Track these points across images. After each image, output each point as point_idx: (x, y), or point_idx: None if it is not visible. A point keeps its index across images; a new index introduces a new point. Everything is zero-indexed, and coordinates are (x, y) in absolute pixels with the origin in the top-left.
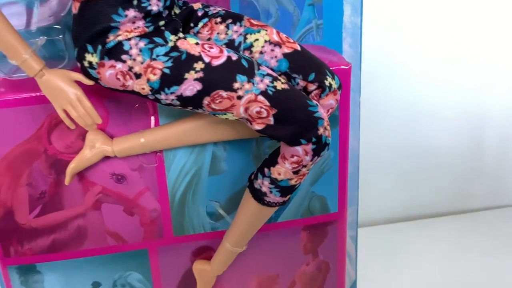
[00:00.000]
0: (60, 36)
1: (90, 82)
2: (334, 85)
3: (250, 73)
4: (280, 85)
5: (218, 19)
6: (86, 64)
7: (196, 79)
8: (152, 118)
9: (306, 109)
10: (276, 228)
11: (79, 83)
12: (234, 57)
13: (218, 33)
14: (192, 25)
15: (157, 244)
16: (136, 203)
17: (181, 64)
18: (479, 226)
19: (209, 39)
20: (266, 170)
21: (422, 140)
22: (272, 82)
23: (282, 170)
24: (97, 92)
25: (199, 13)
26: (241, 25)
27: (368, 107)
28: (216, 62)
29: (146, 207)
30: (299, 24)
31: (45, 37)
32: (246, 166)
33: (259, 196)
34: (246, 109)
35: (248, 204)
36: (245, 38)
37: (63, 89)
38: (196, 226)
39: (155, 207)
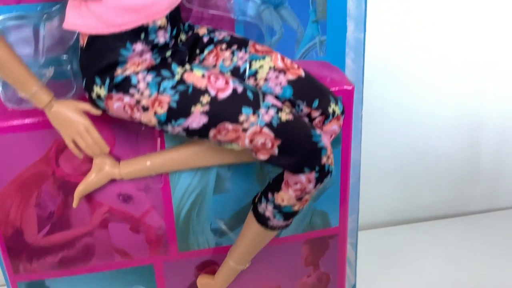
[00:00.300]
0: (68, 66)
1: (98, 112)
2: (337, 111)
3: (255, 105)
4: (285, 116)
5: (224, 46)
6: (94, 95)
7: (202, 113)
8: (158, 141)
9: (309, 139)
10: (279, 243)
11: (87, 112)
12: (240, 89)
13: (223, 60)
14: (198, 51)
15: (163, 260)
16: (142, 222)
17: (188, 98)
18: (477, 228)
19: (214, 65)
20: (270, 195)
21: (421, 145)
22: (277, 113)
23: (285, 197)
24: (104, 115)
25: (205, 39)
26: (246, 52)
27: (367, 112)
28: (222, 95)
29: (152, 225)
30: (303, 41)
31: (53, 67)
32: (250, 185)
33: (263, 220)
34: (251, 141)
35: (252, 226)
36: (250, 65)
37: (72, 120)
38: (200, 242)
39: (160, 225)
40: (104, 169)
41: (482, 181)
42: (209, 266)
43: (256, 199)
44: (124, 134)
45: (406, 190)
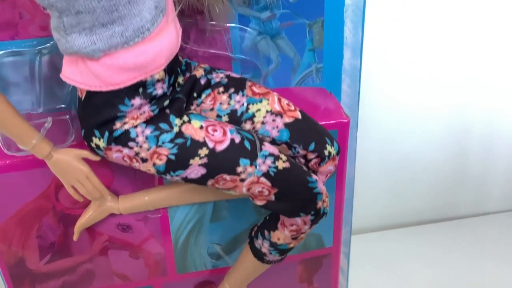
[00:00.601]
0: (67, 116)
1: (97, 158)
2: (333, 152)
3: (252, 156)
4: (282, 164)
5: (221, 89)
6: (93, 145)
7: (200, 165)
8: (157, 178)
9: (306, 186)
10: None
11: (86, 158)
12: (237, 139)
13: (221, 103)
14: (195, 95)
15: (162, 281)
16: (141, 248)
17: (186, 150)
18: (465, 232)
19: (212, 109)
20: (266, 233)
21: (411, 153)
22: (274, 162)
23: (281, 236)
24: None
25: (202, 82)
26: (243, 95)
27: (359, 122)
28: (220, 147)
29: (151, 251)
30: (299, 68)
31: (51, 118)
32: (246, 212)
33: (259, 255)
34: (249, 189)
35: (248, 259)
36: (247, 109)
37: (72, 168)
38: (198, 264)
39: (159, 251)
40: (103, 205)
41: (469, 187)
42: (207, 286)
43: (253, 233)
44: (123, 169)
45: (396, 196)
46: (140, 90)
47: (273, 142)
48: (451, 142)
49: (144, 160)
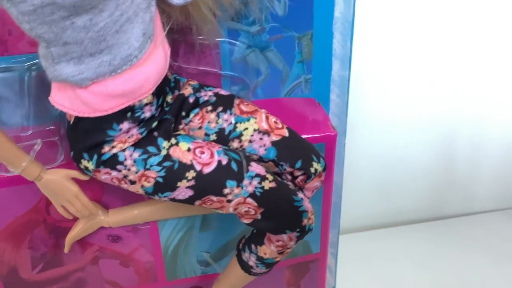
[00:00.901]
0: (56, 138)
1: (86, 178)
2: (319, 169)
3: (239, 177)
4: (268, 184)
5: (209, 108)
6: (82, 167)
7: (188, 187)
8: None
9: (291, 205)
10: None
11: (75, 178)
12: (224, 161)
13: (209, 122)
14: (184, 114)
15: (152, 287)
16: (131, 257)
17: (174, 173)
18: (453, 231)
19: (200, 127)
20: (253, 247)
21: (399, 153)
22: (260, 183)
23: (268, 251)
24: None
25: (191, 100)
26: (231, 113)
27: (349, 126)
28: (207, 170)
29: (141, 260)
30: (289, 80)
31: (41, 140)
32: (235, 222)
33: (246, 267)
34: (235, 209)
35: (236, 270)
36: (235, 127)
37: (61, 188)
38: (187, 271)
39: (149, 260)
40: (94, 218)
41: (456, 187)
42: None
43: (241, 246)
44: None
45: (385, 196)
46: (128, 114)
47: (260, 160)
48: (439, 143)
49: (132, 182)
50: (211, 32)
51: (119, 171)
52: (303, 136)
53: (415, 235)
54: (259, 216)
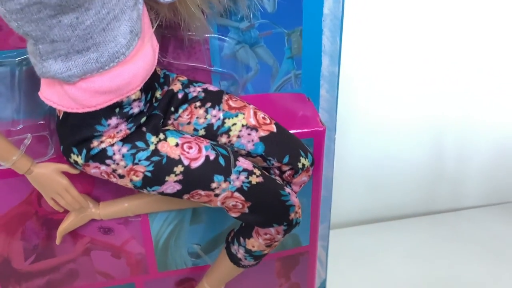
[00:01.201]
0: (47, 132)
1: (76, 171)
2: (307, 164)
3: (226, 172)
4: (255, 179)
5: (198, 103)
6: (71, 161)
7: (176, 181)
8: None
9: (279, 199)
10: None
11: (65, 172)
12: (212, 156)
13: (197, 117)
14: (172, 109)
15: (144, 279)
16: (123, 249)
17: (162, 168)
18: (442, 226)
19: (189, 123)
20: (241, 239)
21: (390, 150)
22: (247, 177)
23: (256, 244)
24: None
25: (180, 96)
26: (219, 109)
27: (340, 121)
28: (195, 164)
29: (132, 252)
30: (278, 75)
31: (30, 135)
32: (224, 215)
33: (235, 260)
34: (223, 203)
35: (225, 262)
36: (223, 123)
37: (51, 181)
38: (178, 263)
39: (140, 252)
40: (84, 211)
41: (446, 183)
42: (187, 282)
43: (230, 238)
44: None
45: (376, 191)
46: (117, 110)
47: (249, 155)
48: (429, 140)
49: (121, 176)
50: (200, 28)
51: (108, 165)
52: (292, 131)
53: (405, 229)
54: (246, 210)
